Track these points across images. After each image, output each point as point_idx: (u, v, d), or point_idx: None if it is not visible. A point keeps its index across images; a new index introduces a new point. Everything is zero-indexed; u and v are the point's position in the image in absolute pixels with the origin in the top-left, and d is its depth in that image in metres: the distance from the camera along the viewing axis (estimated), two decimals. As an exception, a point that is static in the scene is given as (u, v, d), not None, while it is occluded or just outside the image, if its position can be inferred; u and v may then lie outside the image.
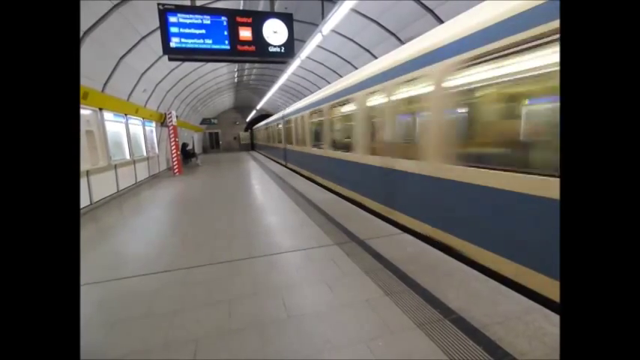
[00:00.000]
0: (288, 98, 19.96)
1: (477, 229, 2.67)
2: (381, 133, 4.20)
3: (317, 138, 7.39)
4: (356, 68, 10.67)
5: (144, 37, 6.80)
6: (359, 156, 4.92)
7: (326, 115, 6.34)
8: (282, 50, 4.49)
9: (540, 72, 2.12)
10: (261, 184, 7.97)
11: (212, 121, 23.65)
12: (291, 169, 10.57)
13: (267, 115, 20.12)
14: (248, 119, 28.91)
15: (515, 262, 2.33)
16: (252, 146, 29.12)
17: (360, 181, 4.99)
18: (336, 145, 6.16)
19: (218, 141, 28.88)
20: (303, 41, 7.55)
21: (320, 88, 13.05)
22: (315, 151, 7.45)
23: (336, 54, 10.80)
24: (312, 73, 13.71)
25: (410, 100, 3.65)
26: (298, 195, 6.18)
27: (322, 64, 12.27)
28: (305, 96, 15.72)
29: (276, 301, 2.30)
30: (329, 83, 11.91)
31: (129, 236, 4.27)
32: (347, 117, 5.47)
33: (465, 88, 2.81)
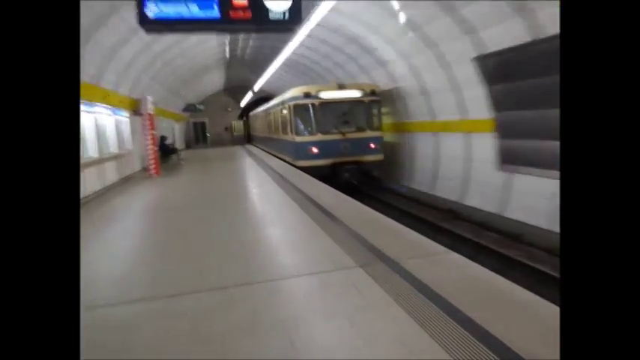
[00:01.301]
0: (294, 76, 20.09)
1: (282, 149, 14.67)
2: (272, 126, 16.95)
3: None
4: (371, 46, 10.57)
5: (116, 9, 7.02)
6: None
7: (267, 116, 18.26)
8: (286, 17, 4.50)
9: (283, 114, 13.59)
10: (259, 187, 8.05)
11: (197, 107, 24.03)
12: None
13: (268, 98, 20.47)
14: (243, 104, 29.16)
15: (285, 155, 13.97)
16: (247, 138, 29.39)
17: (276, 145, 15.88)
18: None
19: (205, 133, 29.21)
20: (314, 2, 7.57)
21: (334, 63, 15.41)
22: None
23: (356, 19, 10.64)
24: (326, 43, 13.69)
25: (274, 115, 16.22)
26: (306, 200, 6.22)
27: (337, 33, 12.15)
28: (315, 72, 18.07)
29: (283, 339, 2.33)
30: (347, 56, 13.27)
31: (97, 254, 4.39)
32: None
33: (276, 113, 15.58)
